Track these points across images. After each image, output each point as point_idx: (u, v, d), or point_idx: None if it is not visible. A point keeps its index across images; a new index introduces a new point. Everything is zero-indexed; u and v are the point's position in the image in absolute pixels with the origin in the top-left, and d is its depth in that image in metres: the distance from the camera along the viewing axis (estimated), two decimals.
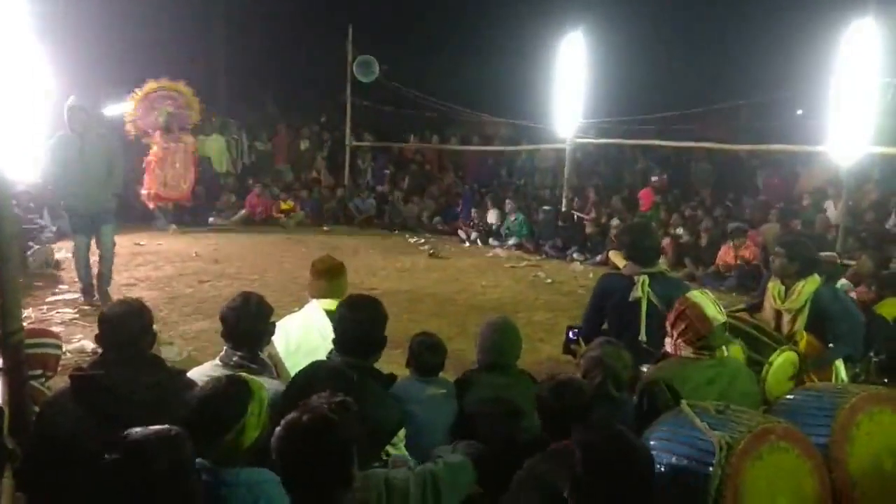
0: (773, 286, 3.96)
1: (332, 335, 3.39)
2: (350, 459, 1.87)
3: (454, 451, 2.52)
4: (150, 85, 10.65)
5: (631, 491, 1.83)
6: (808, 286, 3.79)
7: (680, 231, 9.76)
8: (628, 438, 1.93)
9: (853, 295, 5.09)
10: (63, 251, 8.47)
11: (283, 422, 1.89)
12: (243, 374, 2.42)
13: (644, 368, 3.09)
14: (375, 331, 2.75)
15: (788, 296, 3.85)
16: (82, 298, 6.58)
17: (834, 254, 6.48)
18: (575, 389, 2.42)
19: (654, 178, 11.88)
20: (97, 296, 6.47)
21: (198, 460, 2.00)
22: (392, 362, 3.67)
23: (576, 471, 1.85)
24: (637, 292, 3.56)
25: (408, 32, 16.70)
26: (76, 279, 6.73)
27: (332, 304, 3.71)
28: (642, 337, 3.50)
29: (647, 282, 3.58)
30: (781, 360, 3.35)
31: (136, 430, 1.89)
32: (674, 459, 2.16)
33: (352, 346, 2.70)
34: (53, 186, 6.94)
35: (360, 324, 2.72)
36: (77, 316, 6.16)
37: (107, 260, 6.54)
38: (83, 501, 2.12)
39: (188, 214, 11.62)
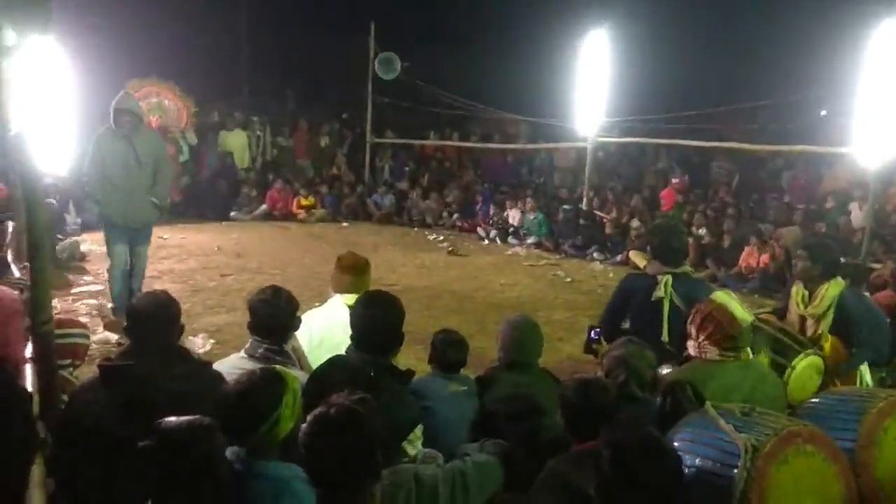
0: (797, 291, 3.91)
1: None
2: (376, 451, 1.90)
3: (482, 449, 2.53)
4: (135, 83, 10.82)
5: (660, 493, 1.82)
6: (832, 290, 3.74)
7: (702, 232, 9.69)
8: (659, 440, 1.92)
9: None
10: (87, 243, 8.60)
11: (309, 417, 1.92)
12: (277, 366, 2.45)
13: (664, 370, 3.06)
14: (392, 327, 2.73)
15: (812, 300, 3.80)
16: (110, 308, 5.97)
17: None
18: (599, 389, 2.41)
19: (674, 180, 11.79)
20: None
21: (233, 449, 2.03)
22: (413, 357, 3.70)
23: (604, 471, 1.84)
24: (660, 292, 3.53)
25: (430, 30, 16.70)
26: (100, 270, 6.79)
27: (355, 299, 3.73)
28: (664, 337, 3.48)
29: (670, 282, 3.56)
30: (805, 364, 3.31)
31: (169, 420, 1.92)
32: (698, 461, 2.14)
33: (369, 343, 2.70)
34: (89, 187, 6.29)
35: (376, 320, 2.71)
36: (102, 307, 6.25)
37: (137, 279, 5.93)
38: (112, 489, 2.15)
39: (210, 209, 11.76)
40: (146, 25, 13.24)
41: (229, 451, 2.07)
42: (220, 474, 1.95)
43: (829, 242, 4.20)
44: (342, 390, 2.20)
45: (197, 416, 1.96)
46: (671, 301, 3.54)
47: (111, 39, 10.95)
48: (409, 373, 2.76)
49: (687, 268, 3.80)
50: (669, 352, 3.38)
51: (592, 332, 3.63)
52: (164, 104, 11.73)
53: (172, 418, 1.93)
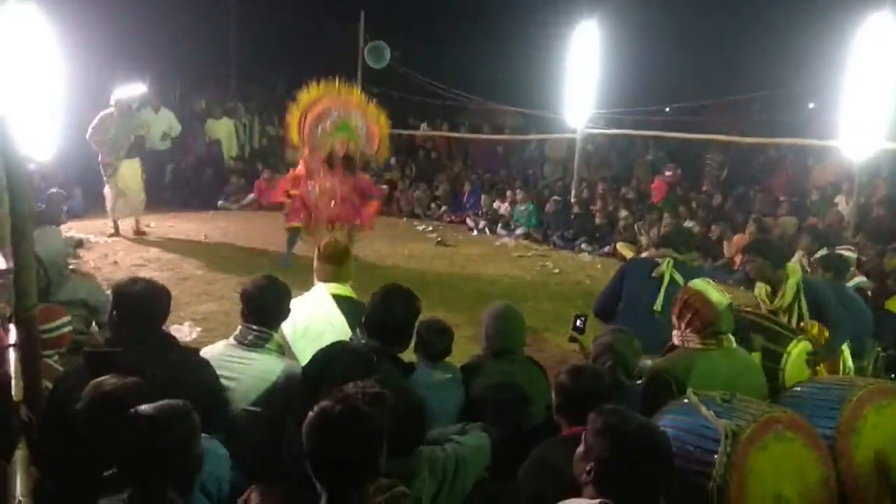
0: (759, 289, 3.95)
1: (339, 321, 3.43)
2: (378, 452, 1.83)
3: (465, 431, 2.55)
4: (314, 94, 7.11)
5: (657, 477, 1.84)
6: (791, 279, 3.78)
7: (691, 223, 9.73)
8: (655, 425, 1.94)
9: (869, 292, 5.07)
10: (73, 231, 8.54)
11: (315, 408, 1.84)
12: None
13: (647, 361, 3.10)
14: (406, 321, 2.86)
15: (776, 295, 3.84)
16: None
17: (851, 247, 6.40)
18: (593, 374, 2.45)
19: (668, 173, 11.83)
20: None
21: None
22: None
23: (601, 456, 1.84)
24: (662, 268, 3.64)
25: (420, 19, 16.64)
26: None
27: (338, 287, 3.74)
28: (658, 307, 3.53)
29: (671, 263, 3.66)
30: (799, 350, 3.36)
31: (144, 407, 1.97)
32: (678, 446, 2.17)
33: (379, 331, 2.80)
34: None
35: (391, 313, 2.82)
36: None
37: None
38: (97, 476, 2.15)
39: (197, 198, 11.69)
40: (133, 8, 13.07)
41: None
42: (195, 457, 2.00)
43: (768, 238, 4.31)
44: (343, 374, 2.22)
45: (172, 401, 2.00)
46: (671, 278, 3.64)
47: (95, 23, 10.74)
48: (411, 365, 2.82)
49: (685, 259, 3.91)
50: (657, 323, 3.43)
51: (578, 321, 3.67)
52: (350, 122, 7.28)
53: (148, 405, 1.97)
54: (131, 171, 8.84)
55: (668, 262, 3.79)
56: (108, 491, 2.00)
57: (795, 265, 3.86)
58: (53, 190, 7.40)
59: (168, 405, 2.01)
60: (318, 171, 7.08)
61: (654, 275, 3.69)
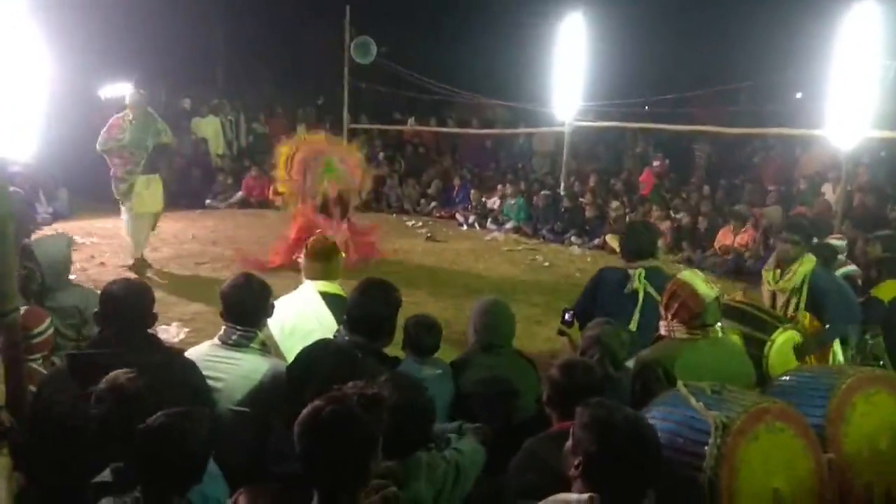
0: (768, 269, 3.95)
1: (327, 318, 3.40)
2: (369, 456, 1.77)
3: (462, 433, 2.53)
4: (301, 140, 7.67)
5: (645, 469, 1.83)
6: (804, 266, 3.79)
7: (680, 215, 9.75)
8: (641, 417, 1.93)
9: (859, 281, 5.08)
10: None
11: (308, 406, 1.78)
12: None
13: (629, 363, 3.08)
14: (387, 314, 2.77)
15: (783, 276, 3.85)
16: None
17: (841, 236, 6.41)
18: (585, 369, 2.43)
19: (655, 164, 11.83)
20: None
21: None
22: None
23: (588, 449, 1.83)
24: (634, 284, 3.56)
25: (406, 13, 16.57)
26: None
27: (326, 285, 3.71)
28: (633, 327, 3.50)
29: (643, 274, 3.58)
30: (784, 338, 3.35)
31: (157, 416, 1.99)
32: (668, 439, 2.16)
33: (361, 327, 2.72)
34: None
35: (371, 306, 2.74)
36: None
37: None
38: (83, 480, 2.12)
39: (184, 197, 11.59)
40: (118, 7, 12.92)
41: None
42: (205, 459, 2.01)
43: (804, 221, 4.28)
44: (328, 372, 2.18)
45: (185, 409, 2.02)
46: (646, 293, 3.56)
47: (80, 22, 10.59)
48: (396, 359, 2.79)
49: (658, 262, 3.81)
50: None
51: (566, 314, 3.67)
52: (333, 164, 7.72)
53: (161, 413, 1.99)
54: (151, 191, 7.09)
55: (640, 275, 3.59)
56: (111, 491, 1.99)
57: (811, 255, 3.86)
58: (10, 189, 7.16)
59: (189, 413, 2.03)
60: (315, 222, 7.26)
61: (627, 291, 3.58)
